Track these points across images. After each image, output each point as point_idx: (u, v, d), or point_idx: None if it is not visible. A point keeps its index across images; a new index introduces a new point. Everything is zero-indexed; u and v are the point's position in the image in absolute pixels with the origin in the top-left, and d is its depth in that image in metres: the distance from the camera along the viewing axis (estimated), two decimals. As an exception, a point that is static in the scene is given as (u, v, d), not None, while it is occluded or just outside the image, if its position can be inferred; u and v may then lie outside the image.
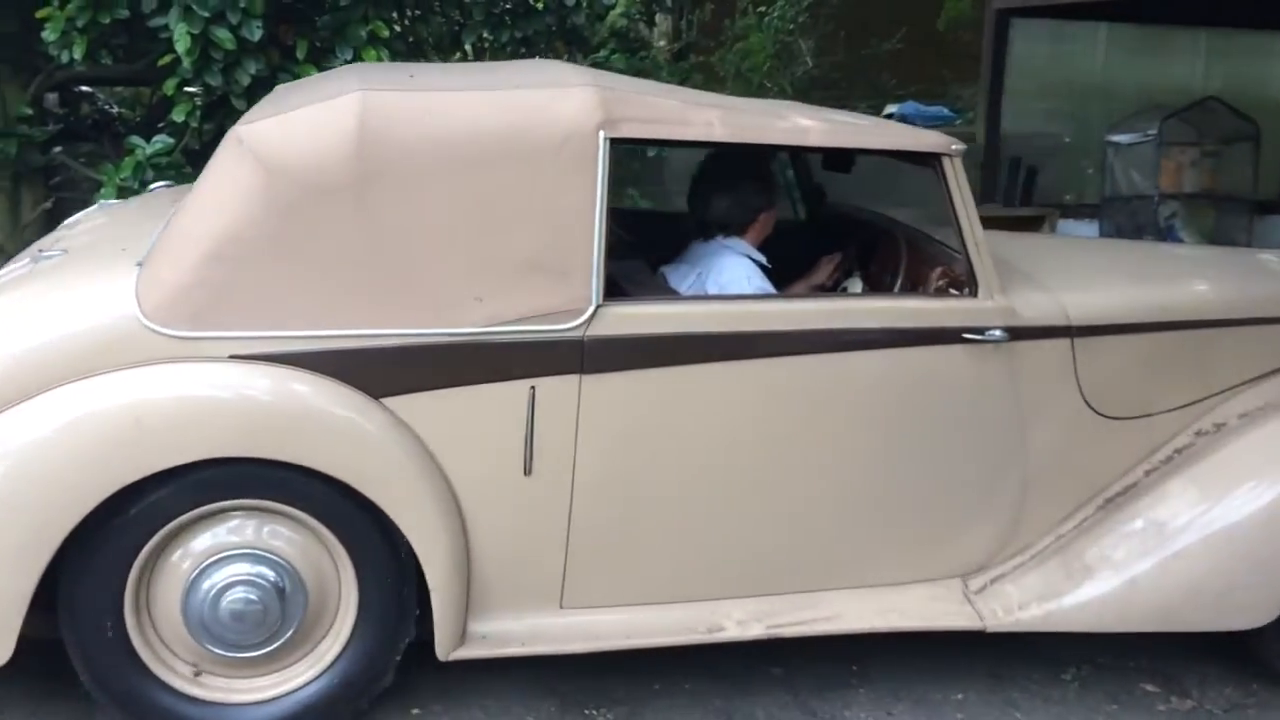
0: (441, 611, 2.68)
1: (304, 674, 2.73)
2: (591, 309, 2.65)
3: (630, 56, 6.51)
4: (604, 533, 2.80)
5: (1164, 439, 3.26)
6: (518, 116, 2.64)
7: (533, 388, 2.65)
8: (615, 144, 2.65)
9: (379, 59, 4.76)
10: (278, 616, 2.65)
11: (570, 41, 6.00)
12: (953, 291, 3.00)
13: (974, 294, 2.97)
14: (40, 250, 3.03)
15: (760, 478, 2.88)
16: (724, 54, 7.45)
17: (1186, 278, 3.54)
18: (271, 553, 2.65)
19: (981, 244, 2.96)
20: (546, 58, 5.94)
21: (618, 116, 2.66)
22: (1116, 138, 7.06)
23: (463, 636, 2.74)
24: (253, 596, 2.62)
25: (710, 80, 7.31)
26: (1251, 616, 3.03)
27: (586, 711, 2.96)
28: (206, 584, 2.62)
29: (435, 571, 2.65)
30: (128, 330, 2.50)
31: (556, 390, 2.66)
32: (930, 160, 2.95)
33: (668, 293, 3.16)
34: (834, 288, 3.40)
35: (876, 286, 3.30)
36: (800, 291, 3.41)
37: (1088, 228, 7.11)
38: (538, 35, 5.63)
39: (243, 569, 2.63)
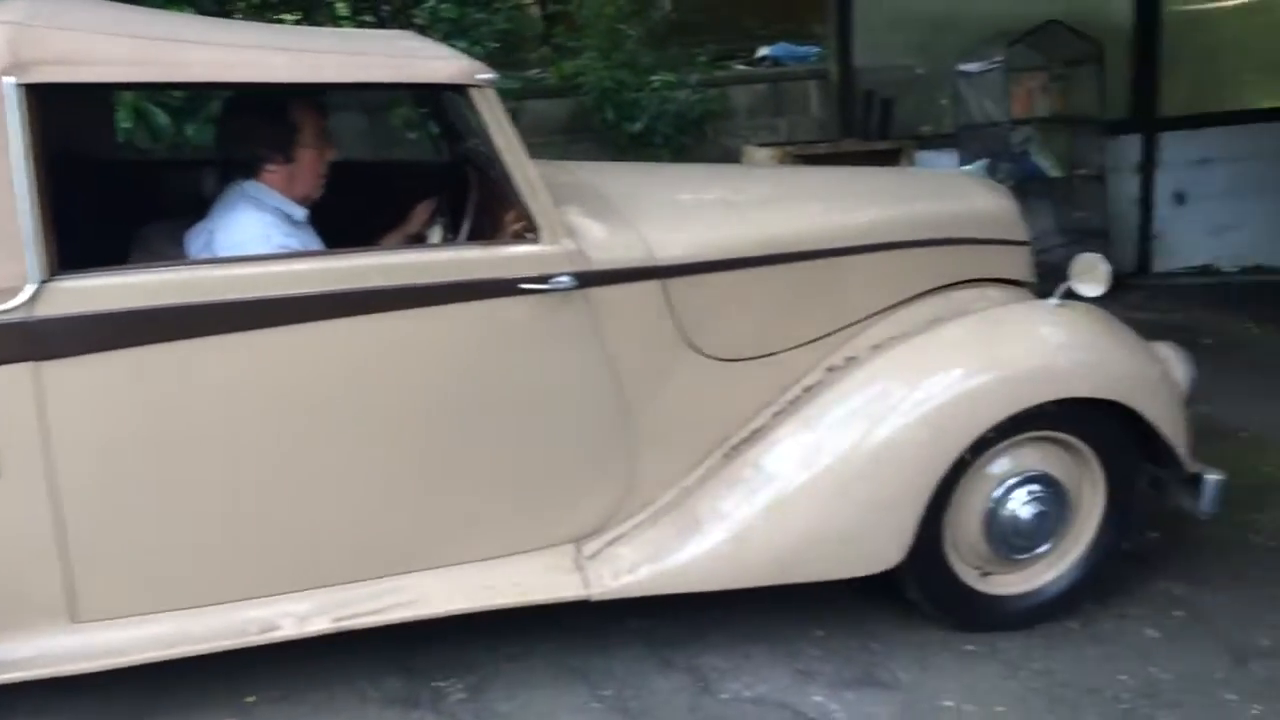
0: None
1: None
2: (33, 287, 2.33)
3: (462, 6, 5.91)
4: (107, 536, 2.50)
5: (795, 378, 3.00)
6: None
7: None
8: (33, 91, 2.29)
9: None
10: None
11: None
12: (529, 236, 2.71)
13: (536, 239, 2.68)
14: None
15: (286, 462, 2.59)
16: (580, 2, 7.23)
17: (794, 204, 3.24)
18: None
19: (535, 182, 2.65)
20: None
21: (29, 59, 2.28)
22: (966, 67, 6.86)
23: None
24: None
25: (571, 30, 7.18)
26: (879, 560, 2.82)
27: (435, 684, 2.86)
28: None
29: None
30: None
31: (10, 381, 2.35)
32: (456, 92, 2.64)
33: (176, 257, 2.80)
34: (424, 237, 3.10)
35: (477, 234, 2.97)
36: (392, 243, 3.12)
37: (946, 158, 6.87)
38: None
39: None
